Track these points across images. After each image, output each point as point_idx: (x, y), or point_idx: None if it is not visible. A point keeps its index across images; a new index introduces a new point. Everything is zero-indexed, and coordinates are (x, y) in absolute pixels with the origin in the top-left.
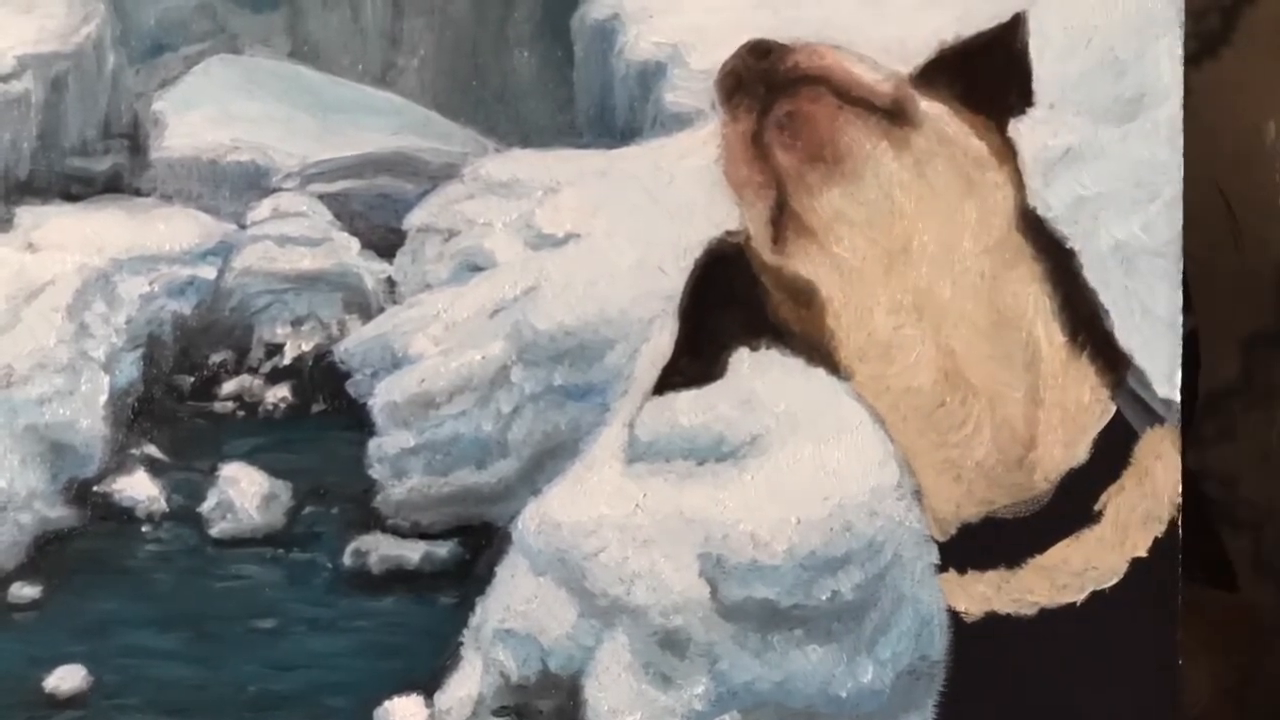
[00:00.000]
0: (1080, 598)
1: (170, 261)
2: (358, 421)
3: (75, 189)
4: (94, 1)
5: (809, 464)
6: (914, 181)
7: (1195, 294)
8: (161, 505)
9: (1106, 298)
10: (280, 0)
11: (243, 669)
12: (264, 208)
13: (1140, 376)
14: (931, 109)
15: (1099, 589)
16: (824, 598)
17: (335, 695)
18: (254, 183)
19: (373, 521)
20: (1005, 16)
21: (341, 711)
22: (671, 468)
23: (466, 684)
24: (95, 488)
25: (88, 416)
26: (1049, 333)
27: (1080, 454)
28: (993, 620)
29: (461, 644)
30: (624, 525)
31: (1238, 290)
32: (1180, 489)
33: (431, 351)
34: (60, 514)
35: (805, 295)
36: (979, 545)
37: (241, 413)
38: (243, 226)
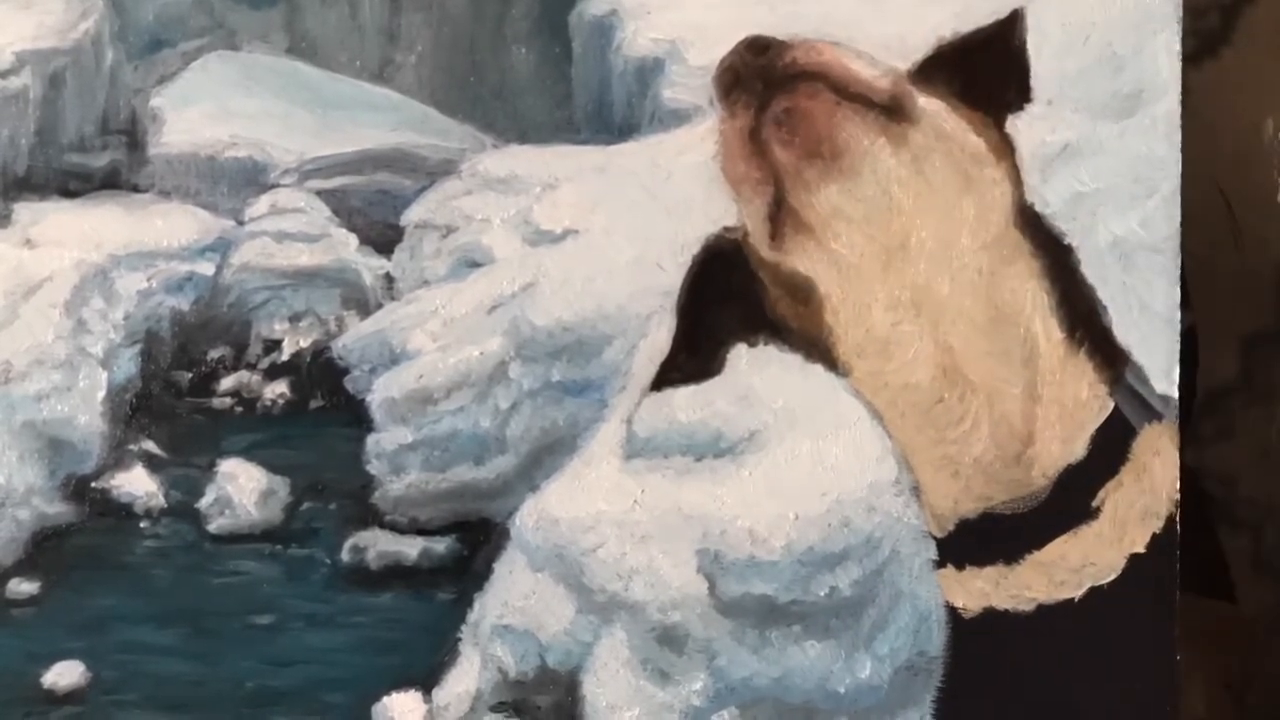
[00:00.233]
0: (1078, 594)
1: (168, 257)
2: (356, 417)
3: (73, 185)
4: None
5: (807, 460)
6: (912, 178)
7: (1194, 291)
8: (160, 501)
9: (1104, 294)
10: None
11: (241, 665)
12: (262, 204)
13: (1138, 373)
14: (929, 105)
15: (1097, 585)
16: (822, 594)
17: (333, 691)
18: (252, 179)
19: (371, 517)
20: (1003, 13)
21: (340, 707)
22: (669, 464)
23: (465, 680)
24: (93, 484)
25: (86, 412)
26: (1047, 329)
27: (1078, 450)
28: (991, 616)
29: (459, 640)
30: (622, 521)
31: (1237, 288)
32: (1179, 485)
33: (429, 347)
34: (58, 510)
35: (803, 291)
36: (977, 541)
37: (239, 409)
38: (241, 223)
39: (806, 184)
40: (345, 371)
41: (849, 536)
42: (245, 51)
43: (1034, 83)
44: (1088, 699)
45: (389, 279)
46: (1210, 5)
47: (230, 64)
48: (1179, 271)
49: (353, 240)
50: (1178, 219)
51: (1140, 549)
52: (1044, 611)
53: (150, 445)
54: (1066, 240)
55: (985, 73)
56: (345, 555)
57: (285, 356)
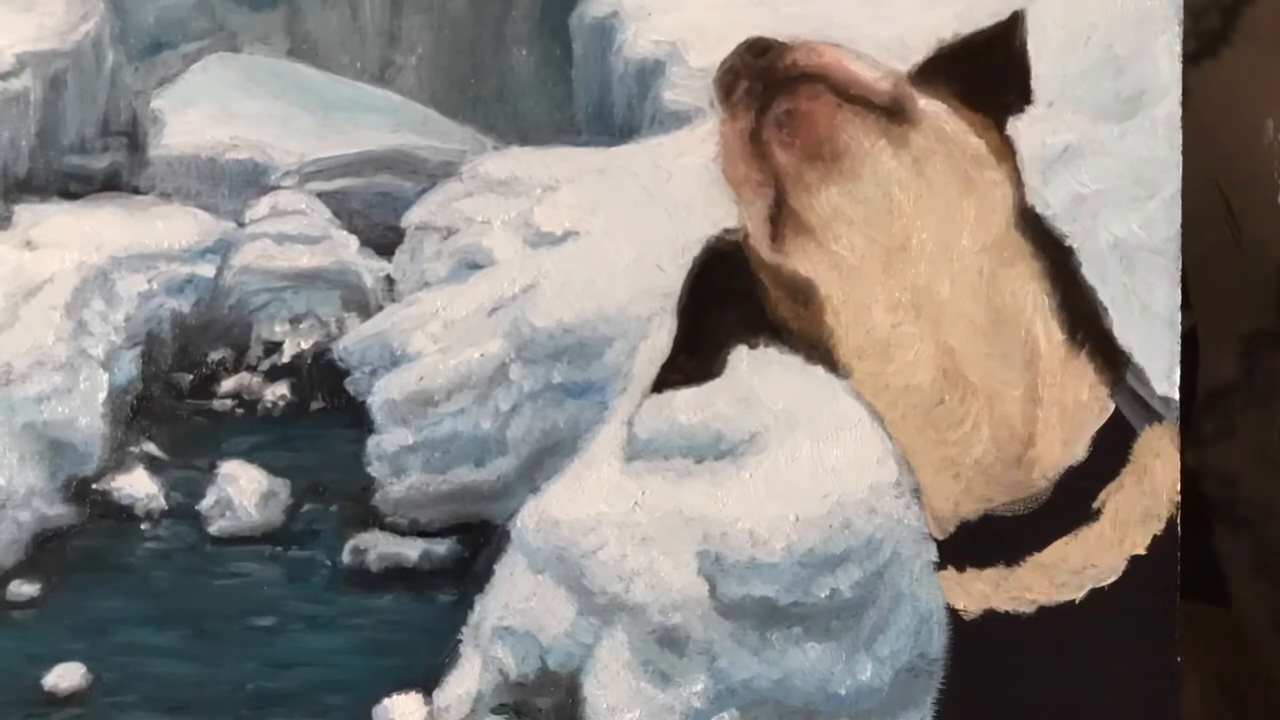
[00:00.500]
0: (1079, 595)
1: (169, 259)
2: (356, 419)
3: (74, 187)
4: (93, 0)
5: (808, 462)
6: (912, 179)
7: (1194, 292)
8: (160, 503)
9: (1105, 295)
10: None
11: (241, 667)
12: (262, 205)
13: (1139, 374)
14: (930, 107)
15: (1098, 587)
16: (823, 595)
17: (334, 693)
18: (252, 180)
19: (371, 519)
20: (1004, 15)
21: (340, 709)
22: (670, 465)
23: (465, 682)
24: (94, 485)
25: (86, 414)
26: (1048, 330)
27: (1079, 452)
28: (991, 618)
29: (460, 642)
30: (623, 523)
31: (1237, 289)
32: (1179, 487)
33: (430, 349)
34: (59, 512)
35: (804, 293)
36: (978, 543)
37: (240, 410)
38: (241, 224)
39: (807, 186)
40: (346, 373)
41: (850, 538)
42: (246, 53)
43: (1035, 84)
44: (1088, 700)
45: (390, 281)
46: (1210, 6)
47: (231, 66)
48: (1180, 273)
49: (353, 242)
50: (1178, 221)
51: (1141, 551)
52: (1045, 613)
53: (151, 447)
54: (1067, 242)
55: (986, 74)
56: (346, 557)
57: (286, 358)
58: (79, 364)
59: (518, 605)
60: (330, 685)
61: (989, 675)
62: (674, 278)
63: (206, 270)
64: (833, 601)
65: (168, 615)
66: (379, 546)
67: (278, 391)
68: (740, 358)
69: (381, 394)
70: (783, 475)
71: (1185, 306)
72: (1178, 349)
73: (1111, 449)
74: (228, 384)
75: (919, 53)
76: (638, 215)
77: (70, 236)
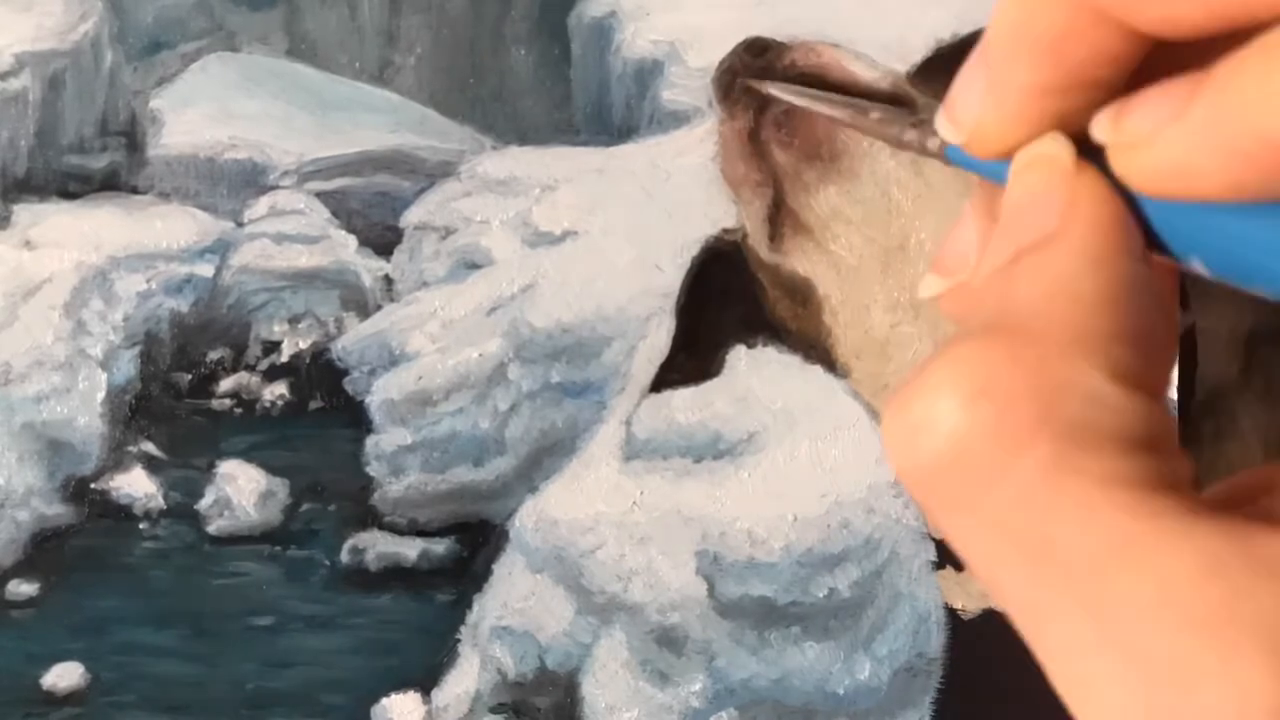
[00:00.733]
0: None
1: (168, 259)
2: (355, 419)
3: (73, 186)
4: (91, 0)
5: (806, 461)
6: (911, 179)
7: (1193, 292)
8: (159, 502)
9: None
10: None
11: (240, 666)
12: (261, 205)
13: None
14: (929, 107)
15: None
16: (821, 595)
17: (333, 692)
18: (251, 180)
19: (370, 519)
20: None
21: (339, 708)
22: (669, 465)
23: (464, 681)
24: (93, 485)
25: (85, 414)
26: None
27: None
28: (990, 617)
29: (459, 641)
30: (621, 522)
31: (1237, 289)
32: None
33: (429, 349)
34: (58, 511)
35: (802, 293)
36: None
37: (239, 410)
38: (240, 224)
39: (805, 185)
40: (344, 373)
41: (848, 538)
42: (245, 53)
43: None
44: None
45: (388, 280)
46: None
47: (230, 66)
48: (1179, 273)
49: (352, 241)
50: None
51: None
52: None
53: (150, 447)
54: None
55: None
56: (344, 556)
57: (284, 358)
58: (78, 363)
59: (516, 605)
60: (329, 684)
61: (987, 675)
62: (672, 277)
63: (205, 270)
64: (831, 601)
65: (166, 614)
66: (377, 546)
67: (276, 391)
68: (739, 358)
69: (380, 393)
70: (781, 475)
71: (1184, 306)
72: (1177, 351)
73: None
74: (226, 383)
75: (918, 52)
76: (636, 215)
77: (69, 236)
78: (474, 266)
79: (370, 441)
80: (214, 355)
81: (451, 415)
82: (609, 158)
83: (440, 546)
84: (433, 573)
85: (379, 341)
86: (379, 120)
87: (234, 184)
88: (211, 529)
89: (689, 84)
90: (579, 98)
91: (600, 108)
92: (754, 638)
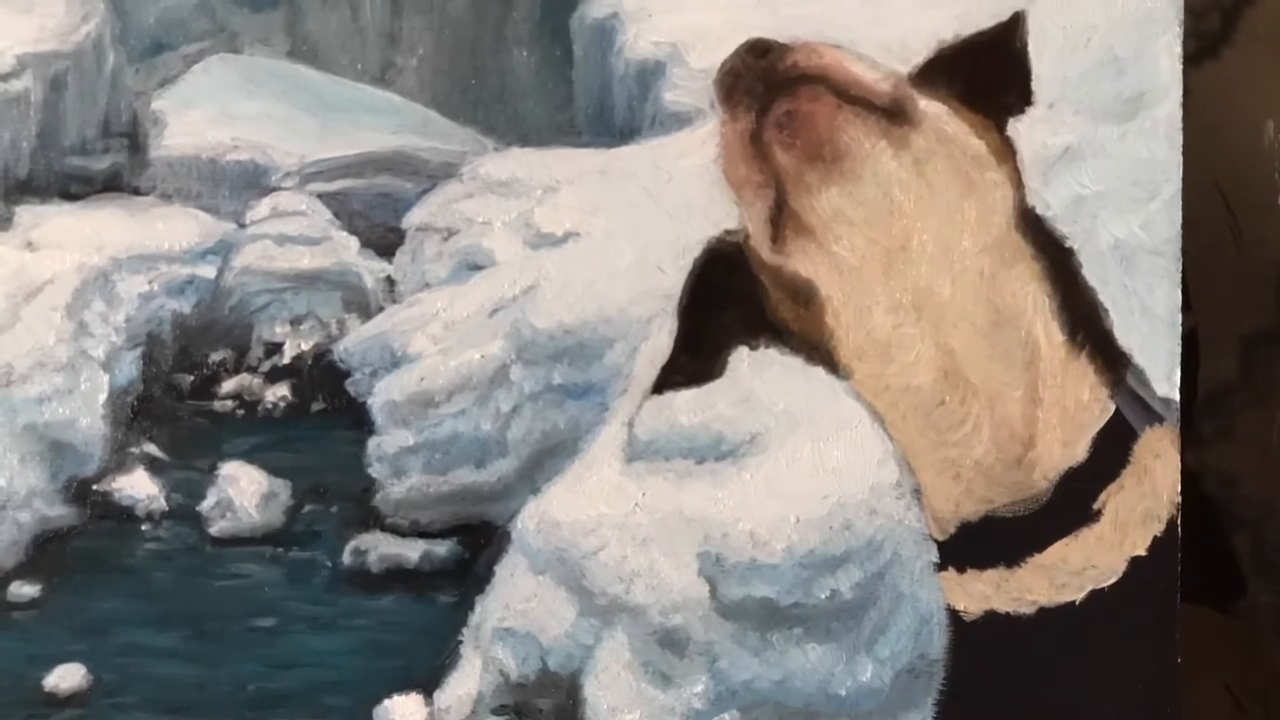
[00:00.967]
0: (1079, 596)
1: (170, 260)
2: (357, 420)
3: (75, 188)
4: (93, 0)
5: (808, 463)
6: (913, 180)
7: (1194, 293)
8: (161, 504)
9: (1106, 296)
10: None
11: (242, 668)
12: (263, 207)
13: (1139, 375)
14: (930, 108)
15: (1098, 588)
16: (823, 596)
17: (335, 694)
18: (253, 182)
19: (372, 520)
20: (1004, 16)
21: (341, 710)
22: (671, 466)
23: (466, 683)
24: (95, 486)
25: (87, 415)
26: (1048, 332)
27: (1079, 453)
28: (992, 619)
29: (461, 643)
30: (623, 524)
31: (1237, 289)
32: (1179, 488)
33: (431, 350)
34: (60, 513)
35: (804, 294)
36: (978, 544)
37: (241, 411)
38: (242, 225)
39: (808, 187)
40: (346, 374)
41: (850, 539)
42: (247, 54)
43: (1035, 85)
44: (1089, 701)
45: (390, 282)
46: (1210, 6)
47: (231, 67)
48: (1180, 274)
49: (354, 243)
50: (1179, 222)
51: (1141, 552)
52: (1045, 614)
53: (152, 448)
54: (1068, 243)
55: (986, 76)
56: (346, 558)
57: (286, 359)
58: (80, 365)
59: (518, 606)
60: (331, 686)
61: (989, 676)
62: (675, 279)
63: (207, 271)
64: (833, 603)
65: (168, 616)
66: (380, 547)
67: (278, 392)
68: (741, 359)
69: (382, 395)
70: (783, 476)
71: (1185, 307)
72: (1178, 350)
73: (1112, 450)
74: (228, 385)
75: (919, 54)
76: (638, 216)
77: (71, 238)
78: (476, 268)
79: (372, 443)
80: (216, 356)
81: (453, 417)
82: (611, 159)
83: (442, 548)
84: (435, 574)
85: (381, 343)
86: (381, 122)
87: (236, 185)
88: (213, 530)
89: (691, 85)
90: (581, 99)
91: (602, 109)
92: (756, 639)
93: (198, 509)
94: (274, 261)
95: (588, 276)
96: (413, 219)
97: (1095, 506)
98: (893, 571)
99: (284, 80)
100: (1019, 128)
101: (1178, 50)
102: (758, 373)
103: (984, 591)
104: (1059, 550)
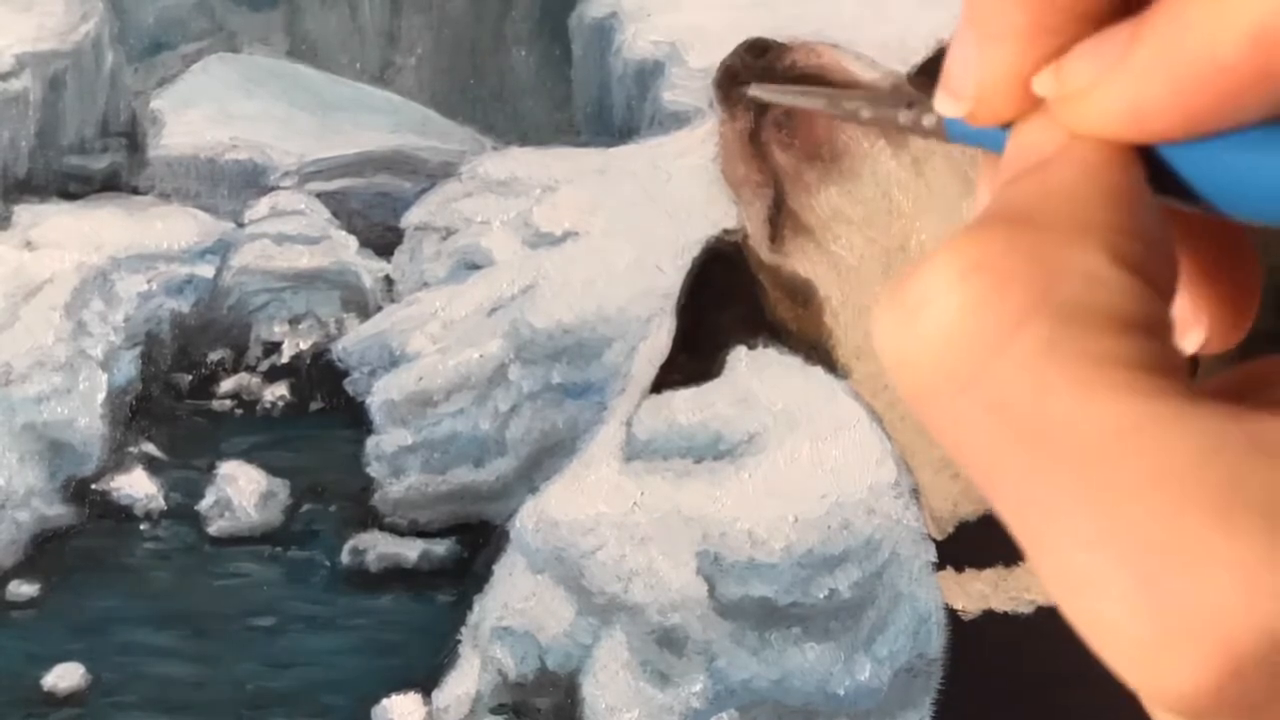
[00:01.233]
0: None
1: (168, 260)
2: (356, 419)
3: (73, 187)
4: (92, 0)
5: (807, 462)
6: (912, 180)
7: None
8: (160, 503)
9: None
10: None
11: (241, 667)
12: (262, 206)
13: None
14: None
15: None
16: (822, 596)
17: (333, 693)
18: (252, 181)
19: (370, 519)
20: None
21: (339, 709)
22: (669, 466)
23: (464, 682)
24: (93, 486)
25: (86, 414)
26: None
27: None
28: (990, 618)
29: (459, 642)
30: (622, 523)
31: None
32: None
33: (429, 350)
34: (58, 512)
35: (803, 294)
36: (977, 543)
37: (239, 411)
38: (241, 225)
39: (806, 186)
40: (345, 374)
41: (848, 539)
42: (245, 54)
43: None
44: (1087, 700)
45: (389, 281)
46: None
47: (230, 66)
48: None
49: (352, 242)
50: None
51: None
52: (1043, 613)
53: (150, 447)
54: None
55: None
56: (345, 557)
57: (285, 359)
58: (78, 364)
59: (517, 605)
60: (329, 685)
61: (988, 675)
62: (673, 278)
63: (206, 271)
64: (831, 602)
65: (167, 615)
66: (378, 547)
67: (277, 392)
68: (739, 358)
69: (380, 394)
70: (782, 476)
71: None
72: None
73: None
74: (227, 384)
75: (918, 53)
76: (637, 216)
77: (70, 237)
78: (474, 267)
79: (371, 442)
80: (214, 356)
81: (452, 416)
82: (609, 158)
83: (441, 547)
84: (433, 573)
85: (379, 342)
86: (380, 121)
87: (235, 184)
88: (212, 530)
89: (690, 85)
90: (580, 98)
91: (601, 108)
92: (754, 638)
93: (196, 508)
94: (272, 261)
95: (586, 276)
96: (411, 218)
97: None
98: (891, 571)
99: (283, 79)
100: None
101: None
102: (756, 372)
103: (982, 591)
104: None
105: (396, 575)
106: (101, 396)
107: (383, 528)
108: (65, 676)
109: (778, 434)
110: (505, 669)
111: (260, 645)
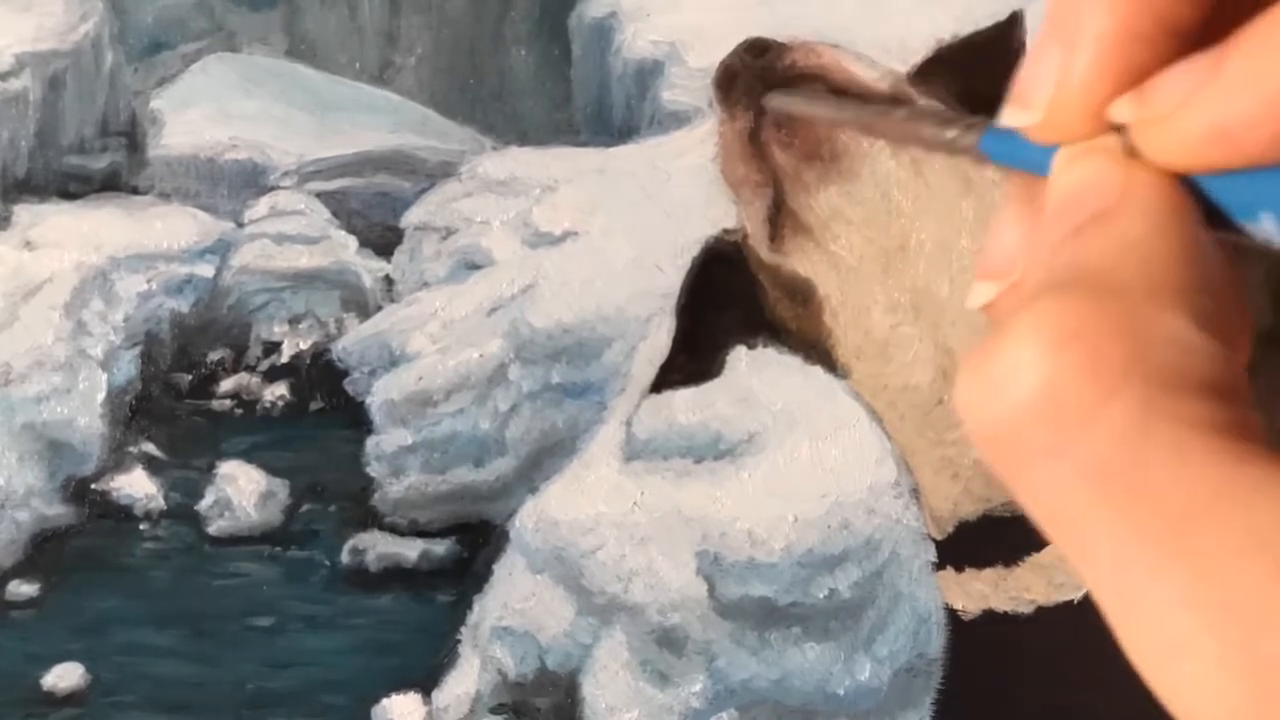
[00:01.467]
0: (1078, 595)
1: (168, 259)
2: (355, 419)
3: (73, 187)
4: (92, 0)
5: (806, 462)
6: (911, 180)
7: None
8: (159, 503)
9: None
10: None
11: (240, 667)
12: (262, 206)
13: None
14: (929, 107)
15: None
16: (821, 595)
17: (333, 693)
18: (252, 181)
19: (370, 519)
20: (1003, 15)
21: (339, 709)
22: (669, 465)
23: (464, 682)
24: (93, 485)
25: (85, 414)
26: None
27: None
28: (990, 618)
29: (459, 642)
30: (621, 523)
31: None
32: None
33: (429, 349)
34: (58, 512)
35: (803, 293)
36: (977, 543)
37: (239, 411)
38: (240, 224)
39: (806, 186)
40: (345, 374)
41: (848, 538)
42: (245, 54)
43: None
44: (1087, 701)
45: (389, 281)
46: None
47: (230, 66)
48: None
49: (352, 242)
50: None
51: None
52: (1043, 613)
53: (150, 447)
54: None
55: (985, 75)
56: (345, 557)
57: (285, 359)
58: (78, 364)
59: (516, 605)
60: (329, 685)
61: (988, 676)
62: (672, 278)
63: (205, 270)
64: (831, 602)
65: (166, 615)
66: (378, 547)
67: (276, 392)
68: (739, 358)
69: (380, 394)
70: (781, 475)
71: None
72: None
73: None
74: (227, 384)
75: (918, 53)
76: (636, 215)
77: (69, 237)
78: (474, 267)
79: (371, 442)
80: (214, 356)
81: (452, 416)
82: (609, 158)
83: (440, 547)
84: (433, 573)
85: (379, 342)
86: (379, 121)
87: (234, 184)
88: (212, 530)
89: (689, 85)
90: (579, 98)
91: (600, 108)
92: (754, 638)
93: (196, 508)
94: (272, 260)
95: (586, 275)
96: (411, 218)
97: None
98: (891, 570)
99: (282, 79)
100: None
101: None
102: (756, 372)
103: (982, 590)
104: (1057, 549)
105: (396, 575)
106: (101, 396)
107: (382, 527)
108: (65, 676)
109: (777, 434)
110: (505, 669)
111: (260, 645)
